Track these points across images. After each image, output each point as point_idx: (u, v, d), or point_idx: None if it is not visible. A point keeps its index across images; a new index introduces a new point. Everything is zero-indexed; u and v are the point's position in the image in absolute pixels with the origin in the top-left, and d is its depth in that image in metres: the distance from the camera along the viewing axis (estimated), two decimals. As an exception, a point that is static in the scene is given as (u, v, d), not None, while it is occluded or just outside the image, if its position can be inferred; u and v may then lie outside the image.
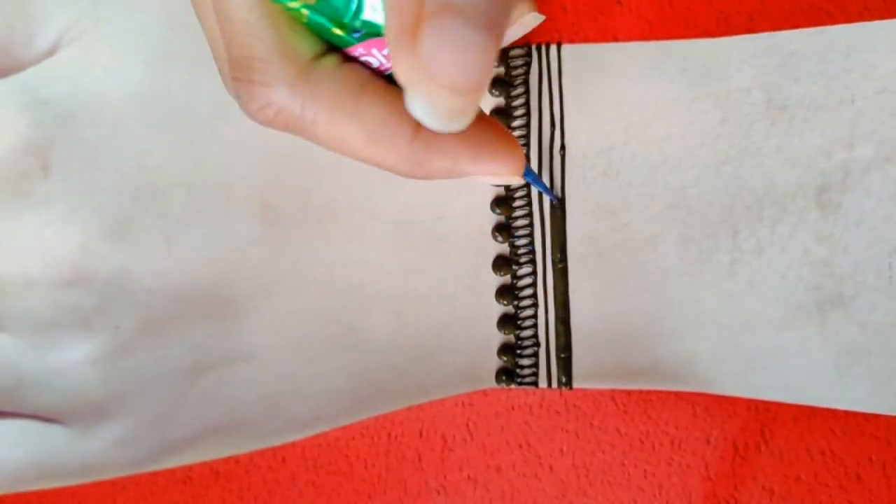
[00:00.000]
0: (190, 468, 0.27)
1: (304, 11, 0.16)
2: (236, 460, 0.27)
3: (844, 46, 0.24)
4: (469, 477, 0.26)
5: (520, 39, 0.25)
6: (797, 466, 0.25)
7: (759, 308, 0.25)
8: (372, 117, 0.16)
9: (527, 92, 0.25)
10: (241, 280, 0.26)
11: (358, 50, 0.16)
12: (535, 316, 0.26)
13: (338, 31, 0.16)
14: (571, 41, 0.25)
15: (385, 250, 0.26)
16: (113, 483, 0.27)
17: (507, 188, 0.26)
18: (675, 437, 0.26)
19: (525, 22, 0.24)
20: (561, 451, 0.26)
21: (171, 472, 0.27)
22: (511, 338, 0.26)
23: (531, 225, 0.26)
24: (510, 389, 0.26)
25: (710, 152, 0.25)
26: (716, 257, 0.25)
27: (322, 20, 0.16)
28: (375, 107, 0.16)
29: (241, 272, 0.26)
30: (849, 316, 0.24)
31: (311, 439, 0.27)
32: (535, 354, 0.26)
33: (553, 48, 0.25)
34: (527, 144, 0.26)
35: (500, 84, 0.25)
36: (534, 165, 0.26)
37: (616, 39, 0.25)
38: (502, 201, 0.26)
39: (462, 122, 0.14)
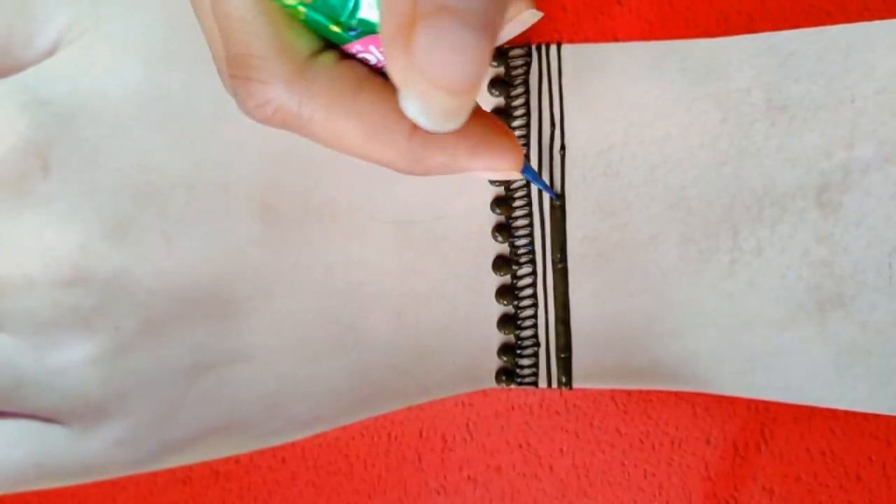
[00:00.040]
0: (190, 468, 0.27)
1: (301, 9, 0.16)
2: (236, 460, 0.27)
3: (844, 46, 0.24)
4: (469, 477, 0.26)
5: (520, 39, 0.25)
6: (797, 466, 0.25)
7: (759, 308, 0.25)
8: (369, 114, 0.16)
9: (527, 92, 0.25)
10: (241, 280, 0.26)
11: (355, 47, 0.16)
12: (535, 316, 0.26)
13: (335, 29, 0.16)
14: (571, 41, 0.25)
15: (385, 250, 0.26)
16: (113, 483, 0.27)
17: (507, 188, 0.26)
18: (675, 437, 0.26)
19: (523, 19, 0.24)
20: (561, 451, 0.26)
21: (171, 472, 0.27)
22: (511, 338, 0.26)
23: (531, 225, 0.26)
24: (510, 389, 0.26)
25: (710, 152, 0.25)
26: (716, 257, 0.25)
27: (319, 17, 0.16)
28: (373, 103, 0.16)
29: (241, 272, 0.26)
30: (849, 316, 0.24)
31: (311, 439, 0.27)
32: (535, 354, 0.26)
33: (553, 48, 0.25)
34: (527, 144, 0.26)
35: (500, 84, 0.25)
36: (534, 165, 0.26)
37: (616, 39, 0.25)
38: (502, 201, 0.26)
39: (456, 122, 0.14)
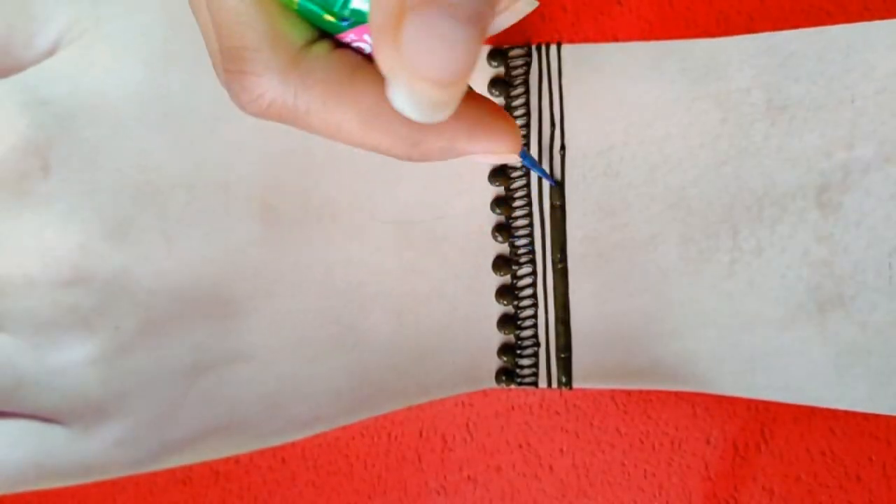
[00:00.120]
0: (190, 468, 0.27)
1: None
2: (236, 460, 0.27)
3: (844, 46, 0.24)
4: (469, 477, 0.26)
5: (520, 39, 0.25)
6: (797, 466, 0.25)
7: (759, 308, 0.25)
8: (365, 101, 0.16)
9: (527, 92, 0.25)
10: (241, 280, 0.26)
11: (349, 36, 0.16)
12: (535, 316, 0.26)
13: (329, 18, 0.16)
14: (571, 41, 0.25)
15: (385, 250, 0.26)
16: (113, 483, 0.27)
17: (508, 188, 0.26)
18: (675, 437, 0.26)
19: (517, 9, 0.23)
20: (561, 451, 0.26)
21: (171, 472, 0.27)
22: (511, 338, 0.26)
23: (531, 225, 0.26)
24: (510, 389, 0.26)
25: (710, 152, 0.25)
26: (716, 257, 0.25)
27: (313, 7, 0.16)
28: (368, 90, 0.16)
29: (241, 272, 0.26)
30: (849, 316, 0.24)
31: (311, 439, 0.27)
32: (535, 354, 0.26)
33: (553, 48, 0.25)
34: (527, 144, 0.26)
35: (500, 84, 0.25)
36: (534, 165, 0.26)
37: (616, 39, 0.25)
38: (502, 201, 0.26)
39: (444, 113, 0.14)
